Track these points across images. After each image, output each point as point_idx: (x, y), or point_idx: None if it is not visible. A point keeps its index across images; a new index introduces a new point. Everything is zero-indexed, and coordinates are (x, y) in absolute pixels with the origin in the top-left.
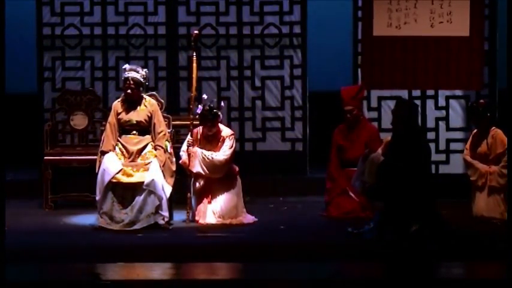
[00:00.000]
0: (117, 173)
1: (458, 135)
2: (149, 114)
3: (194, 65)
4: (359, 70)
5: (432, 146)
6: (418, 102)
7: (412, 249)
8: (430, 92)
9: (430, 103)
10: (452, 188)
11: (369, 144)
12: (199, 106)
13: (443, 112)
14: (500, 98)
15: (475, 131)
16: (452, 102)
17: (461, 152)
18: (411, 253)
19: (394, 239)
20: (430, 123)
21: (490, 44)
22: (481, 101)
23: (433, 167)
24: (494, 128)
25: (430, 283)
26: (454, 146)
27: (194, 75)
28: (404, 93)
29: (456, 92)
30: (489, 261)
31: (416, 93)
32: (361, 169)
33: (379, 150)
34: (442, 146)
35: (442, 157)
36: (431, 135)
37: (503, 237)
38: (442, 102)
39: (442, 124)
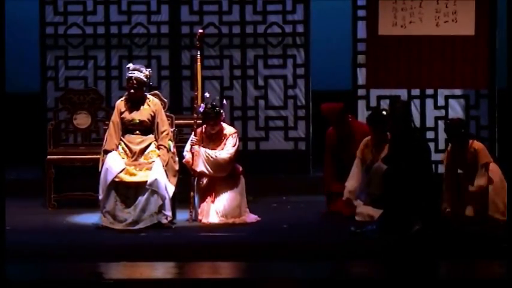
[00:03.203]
0: (120, 172)
1: None
2: (152, 114)
3: (199, 64)
4: (358, 69)
5: (431, 145)
6: (417, 101)
7: (414, 249)
8: (430, 92)
9: (429, 102)
10: None
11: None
12: (202, 105)
13: (443, 112)
14: (500, 97)
15: (450, 147)
16: (451, 101)
17: None
18: (413, 253)
19: (396, 238)
20: (430, 123)
21: (490, 43)
22: (455, 118)
23: (432, 166)
24: (472, 141)
25: (432, 283)
26: None
27: (199, 75)
28: (403, 92)
29: (455, 91)
30: (491, 261)
31: (416, 92)
32: (365, 181)
33: (358, 153)
34: (441, 145)
35: (441, 157)
36: (430, 134)
37: (505, 236)
38: (441, 101)
39: (441, 123)
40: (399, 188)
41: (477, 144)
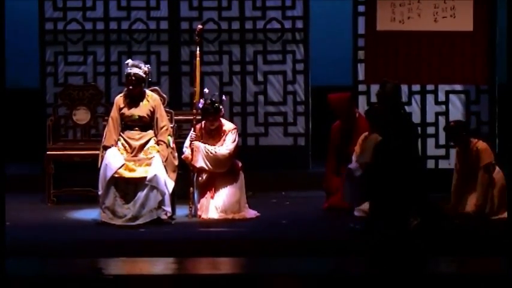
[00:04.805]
0: (120, 168)
1: None
2: (152, 109)
3: (198, 59)
4: (358, 65)
5: (432, 141)
6: (417, 97)
7: (412, 244)
8: (430, 87)
9: (429, 98)
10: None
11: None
12: (201, 100)
13: (443, 107)
14: (500, 93)
15: (457, 148)
16: (452, 97)
17: None
18: (411, 248)
19: (394, 234)
20: (430, 118)
21: (489, 39)
22: (451, 123)
23: (433, 162)
24: (473, 140)
25: (430, 278)
26: None
27: (198, 70)
28: (404, 88)
29: (456, 86)
30: (489, 257)
31: (416, 87)
32: (354, 167)
33: (356, 148)
34: (442, 141)
35: (442, 152)
36: (431, 130)
37: (503, 232)
38: (441, 97)
39: (441, 119)
40: (390, 168)
41: (481, 144)
